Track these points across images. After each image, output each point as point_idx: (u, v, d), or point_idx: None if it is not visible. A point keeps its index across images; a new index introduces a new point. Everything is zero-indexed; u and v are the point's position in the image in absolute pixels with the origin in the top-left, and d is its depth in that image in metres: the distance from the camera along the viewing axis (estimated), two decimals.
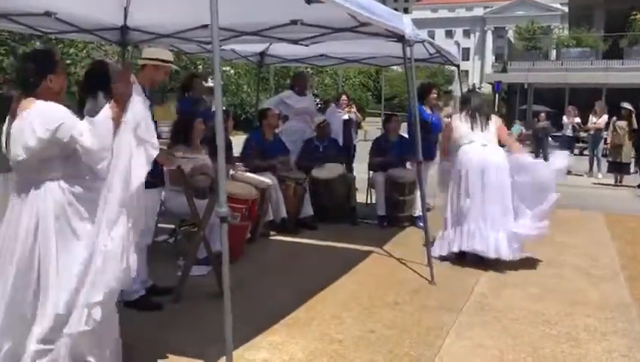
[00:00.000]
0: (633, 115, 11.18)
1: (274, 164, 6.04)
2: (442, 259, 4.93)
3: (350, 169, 7.43)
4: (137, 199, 2.46)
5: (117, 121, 2.43)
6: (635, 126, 11.14)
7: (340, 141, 7.31)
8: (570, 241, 5.89)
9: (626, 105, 11.30)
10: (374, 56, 6.77)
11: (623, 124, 11.19)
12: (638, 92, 17.12)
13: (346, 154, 7.25)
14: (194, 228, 4.46)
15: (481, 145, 4.90)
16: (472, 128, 4.98)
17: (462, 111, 5.08)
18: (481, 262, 4.81)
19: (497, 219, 4.72)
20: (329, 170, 6.50)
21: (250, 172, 5.62)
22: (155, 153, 2.52)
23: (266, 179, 5.62)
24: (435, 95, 6.86)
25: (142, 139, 2.48)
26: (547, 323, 3.71)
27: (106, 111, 2.44)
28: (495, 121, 5.09)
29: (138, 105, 2.49)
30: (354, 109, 7.99)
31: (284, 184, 5.94)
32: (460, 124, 5.03)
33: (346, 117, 7.77)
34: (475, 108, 5.06)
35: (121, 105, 2.44)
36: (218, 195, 2.58)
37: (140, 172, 2.46)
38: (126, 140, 2.44)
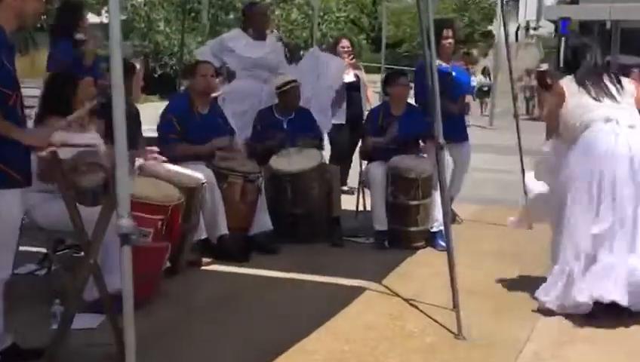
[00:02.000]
0: None
1: (209, 149, 6.02)
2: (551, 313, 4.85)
3: (347, 162, 7.48)
4: None
5: None
6: None
7: (331, 115, 7.40)
8: None
9: None
10: None
11: None
12: None
13: (348, 138, 7.31)
14: (78, 252, 4.42)
15: (627, 128, 4.73)
16: (599, 98, 4.83)
17: (574, 73, 4.95)
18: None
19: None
20: (298, 159, 6.53)
21: (170, 162, 5.60)
22: None
23: (197, 174, 5.60)
24: (450, 40, 7.02)
25: None
26: None
27: None
28: (628, 85, 4.96)
29: None
30: (359, 64, 8.14)
31: (225, 181, 5.95)
32: (577, 93, 4.87)
33: (350, 77, 7.84)
34: (602, 65, 4.97)
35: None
36: (116, 200, 2.56)
37: None
38: None
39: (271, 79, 7.14)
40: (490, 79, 25.15)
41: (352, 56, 7.96)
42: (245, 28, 7.24)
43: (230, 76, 7.20)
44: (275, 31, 10.50)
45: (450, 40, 7.12)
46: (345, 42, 8.15)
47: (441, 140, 4.68)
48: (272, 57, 7.31)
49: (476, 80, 30.28)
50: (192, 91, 6.24)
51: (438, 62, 6.98)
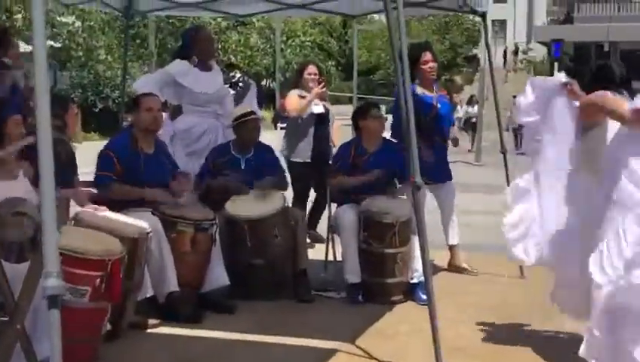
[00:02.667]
0: None
1: (155, 195, 6.04)
2: None
3: (319, 206, 7.50)
4: None
5: None
6: None
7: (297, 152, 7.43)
8: None
9: None
10: None
11: None
12: None
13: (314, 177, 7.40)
14: (4, 316, 4.36)
15: None
16: None
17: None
18: None
19: None
20: (258, 203, 6.56)
21: (110, 210, 5.59)
22: None
23: (141, 223, 5.60)
24: (431, 64, 7.20)
25: None
26: None
27: None
28: None
29: None
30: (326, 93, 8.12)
31: (173, 230, 5.96)
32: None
33: (319, 108, 7.89)
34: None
35: None
36: (44, 255, 2.58)
37: None
38: None
39: (223, 116, 7.18)
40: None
41: (322, 84, 7.95)
42: (186, 56, 7.18)
43: (176, 111, 7.17)
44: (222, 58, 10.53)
45: (431, 64, 7.29)
46: (312, 68, 8.11)
47: (418, 179, 4.71)
48: (224, 91, 7.38)
49: (462, 110, 30.73)
50: (135, 128, 6.24)
51: (420, 90, 7.17)
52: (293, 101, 7.84)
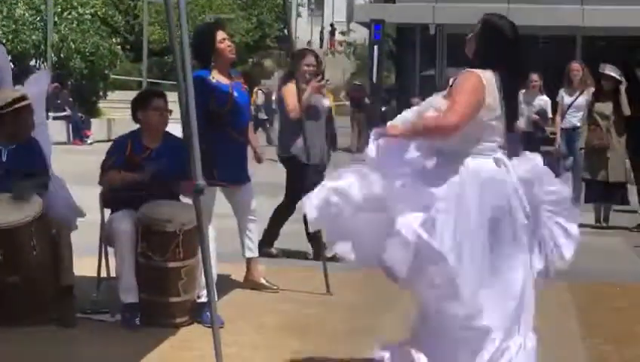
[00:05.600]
0: (622, 89, 12.41)
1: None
2: None
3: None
4: None
5: None
6: (627, 110, 12.34)
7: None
8: None
9: (609, 70, 12.53)
10: None
11: (604, 107, 12.42)
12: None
13: None
14: None
15: None
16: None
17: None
18: None
19: None
20: (10, 208, 6.42)
21: None
22: None
23: None
24: (228, 42, 7.48)
25: None
26: None
27: None
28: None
29: None
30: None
31: None
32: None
33: (327, 102, 8.41)
34: None
35: None
36: None
37: None
38: None
39: None
40: None
41: (319, 76, 8.08)
42: None
43: None
44: None
45: (228, 42, 7.46)
46: (310, 59, 8.39)
47: (201, 181, 4.73)
48: None
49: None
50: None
51: (214, 77, 7.23)
52: (293, 101, 8.21)
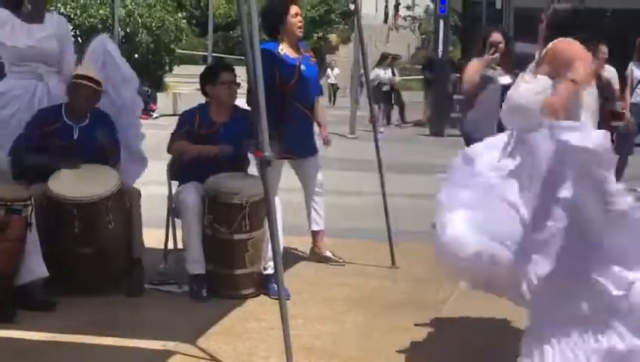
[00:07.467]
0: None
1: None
2: None
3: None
4: None
5: None
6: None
7: None
8: None
9: None
10: None
11: None
12: None
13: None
14: None
15: None
16: None
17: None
18: None
19: None
20: (87, 181, 6.51)
21: None
22: None
23: None
24: (299, 18, 7.42)
25: None
26: None
27: None
28: None
29: None
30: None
31: None
32: None
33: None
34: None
35: None
36: None
37: None
38: None
39: (50, 75, 7.02)
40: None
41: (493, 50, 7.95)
42: (14, 4, 6.99)
43: None
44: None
45: (299, 18, 7.42)
46: (496, 36, 7.96)
47: (267, 153, 4.78)
48: (48, 45, 7.15)
49: (333, 74, 30.74)
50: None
51: (282, 50, 7.28)
52: (468, 69, 7.91)
